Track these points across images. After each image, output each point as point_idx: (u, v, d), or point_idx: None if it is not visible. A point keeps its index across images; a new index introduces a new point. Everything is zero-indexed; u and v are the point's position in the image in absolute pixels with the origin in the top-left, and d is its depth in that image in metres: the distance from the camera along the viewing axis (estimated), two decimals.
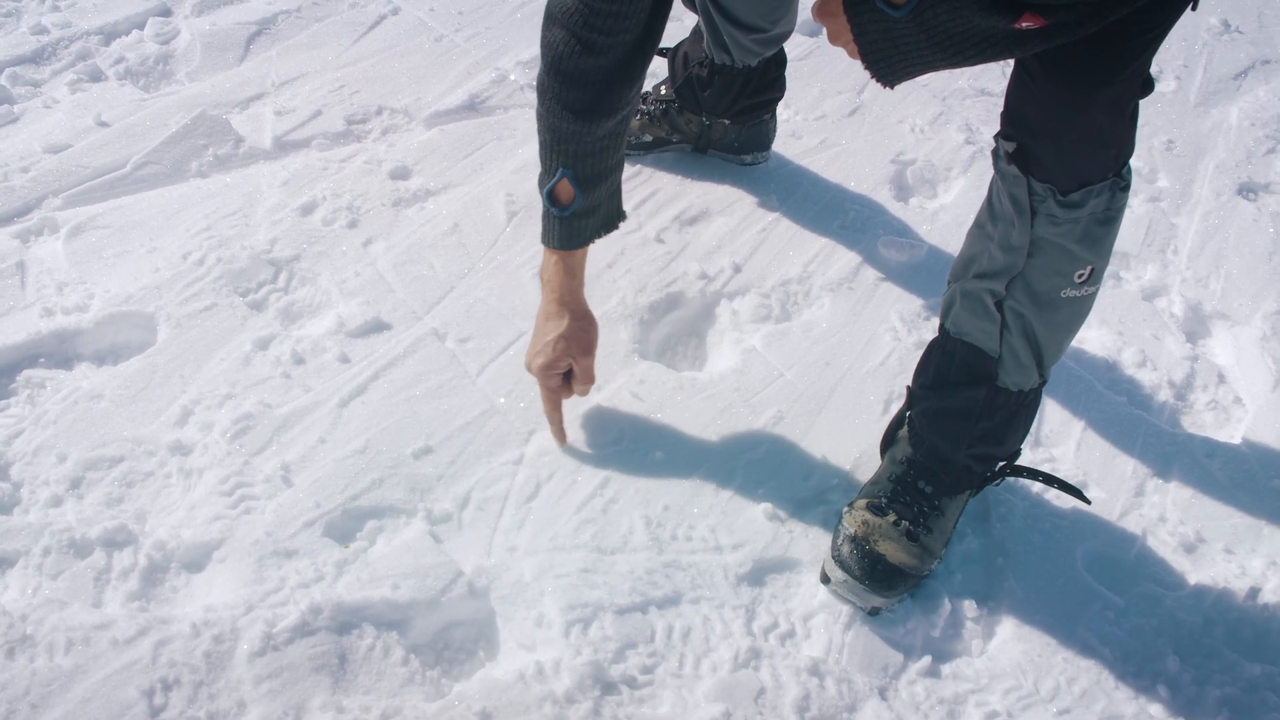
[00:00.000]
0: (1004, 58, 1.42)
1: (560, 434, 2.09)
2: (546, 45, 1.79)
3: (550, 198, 1.92)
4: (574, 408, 2.17)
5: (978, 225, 1.86)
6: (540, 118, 1.87)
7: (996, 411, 1.91)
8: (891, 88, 1.48)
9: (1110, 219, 1.73)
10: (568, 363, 2.00)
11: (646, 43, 1.80)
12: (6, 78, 2.86)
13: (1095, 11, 1.35)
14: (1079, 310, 1.84)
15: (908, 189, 2.99)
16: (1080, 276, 1.76)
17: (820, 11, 1.48)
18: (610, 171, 1.93)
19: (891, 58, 1.43)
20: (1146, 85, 1.65)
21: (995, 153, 1.77)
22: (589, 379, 2.05)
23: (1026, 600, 1.98)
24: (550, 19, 1.77)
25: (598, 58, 1.76)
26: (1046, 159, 1.67)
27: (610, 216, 2.00)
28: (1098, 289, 1.82)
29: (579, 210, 1.91)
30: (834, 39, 1.50)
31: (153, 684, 1.64)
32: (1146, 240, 2.91)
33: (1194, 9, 1.57)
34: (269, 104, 2.90)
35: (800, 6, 2.49)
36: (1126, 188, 1.73)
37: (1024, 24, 1.32)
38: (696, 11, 2.56)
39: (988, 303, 1.83)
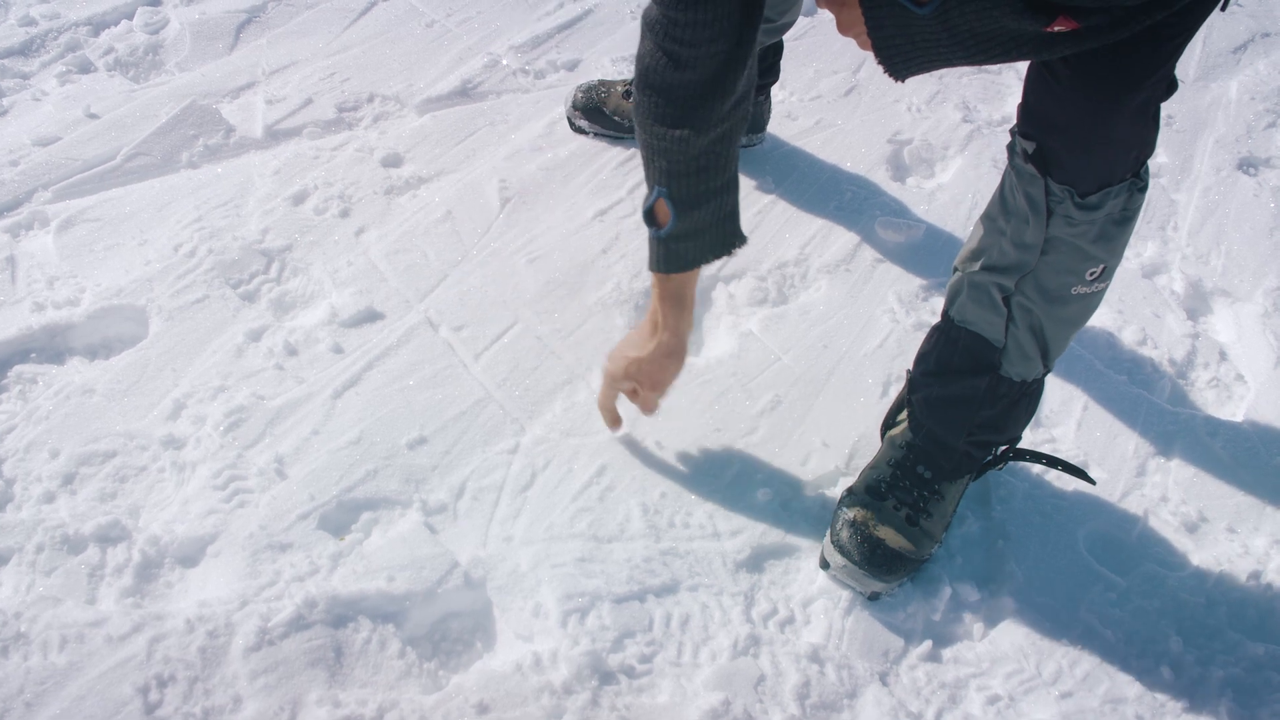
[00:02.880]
0: (1030, 59, 1.39)
1: (613, 422, 2.06)
2: (638, 58, 1.68)
3: (648, 217, 1.79)
4: (570, 395, 2.16)
5: (989, 218, 1.81)
6: (637, 134, 1.75)
7: (999, 400, 1.89)
8: (901, 81, 1.43)
9: (1127, 219, 1.70)
10: (632, 385, 1.96)
11: (738, 53, 1.62)
12: None
13: (1130, 16, 1.32)
14: (1088, 306, 1.82)
15: (904, 169, 2.97)
16: (1092, 274, 1.74)
17: (845, 28, 1.43)
18: (714, 194, 1.76)
19: (908, 53, 1.38)
20: (1171, 86, 1.62)
21: (1011, 148, 1.72)
22: (649, 408, 2.00)
23: (1027, 583, 1.96)
24: (643, 29, 1.66)
25: (684, 71, 1.62)
26: (1068, 162, 1.63)
27: (720, 242, 1.83)
28: (1108, 285, 1.80)
29: (675, 233, 1.77)
30: (844, 28, 1.44)
31: (148, 680, 1.63)
32: (1146, 217, 2.88)
33: (1223, 9, 1.53)
34: (259, 93, 2.88)
35: None
36: (1144, 189, 1.69)
37: (1057, 27, 1.28)
38: None
39: (995, 296, 1.80)
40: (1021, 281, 1.76)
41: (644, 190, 2.65)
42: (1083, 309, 1.82)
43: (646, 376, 1.92)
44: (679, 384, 2.19)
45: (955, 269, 1.90)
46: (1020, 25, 1.30)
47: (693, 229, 1.77)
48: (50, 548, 1.79)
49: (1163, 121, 3.22)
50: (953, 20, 1.31)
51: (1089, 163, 1.62)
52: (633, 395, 2.00)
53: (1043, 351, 1.85)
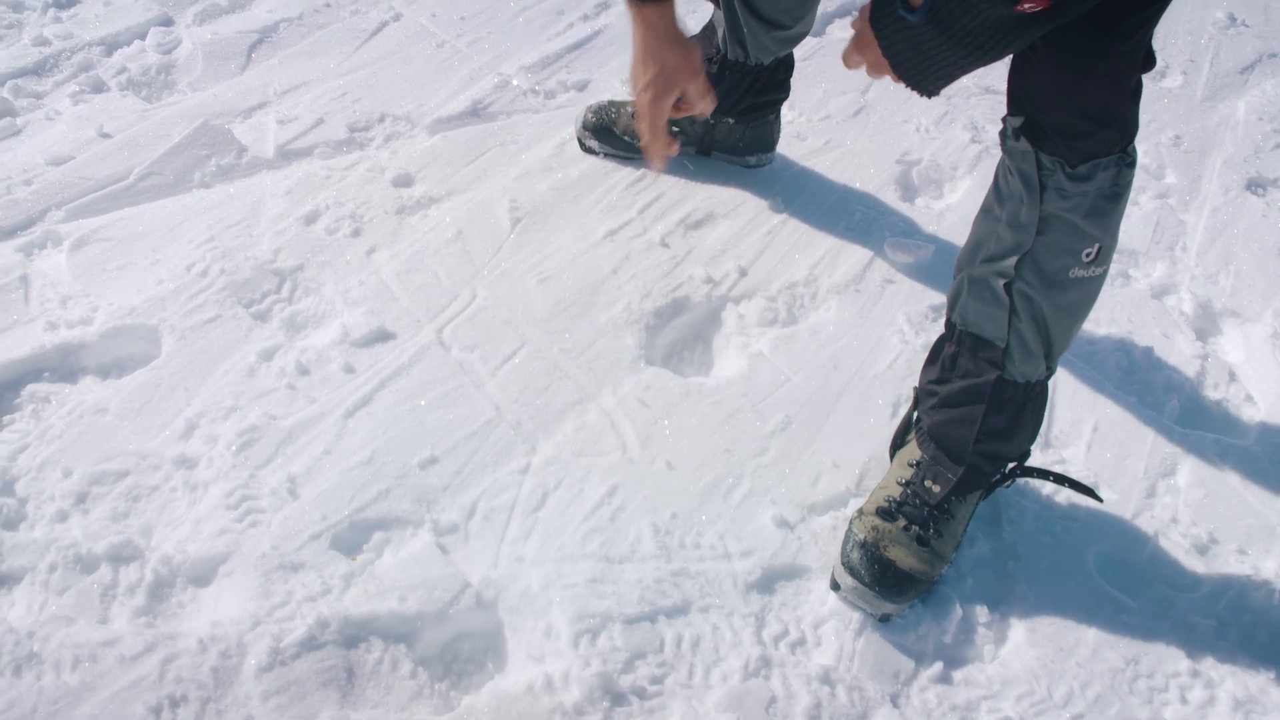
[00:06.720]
0: (1020, 45, 1.44)
1: (662, 158, 2.14)
2: None
3: None
4: (581, 415, 2.16)
5: (984, 210, 1.88)
6: None
7: (1004, 405, 1.90)
8: (931, 96, 1.53)
9: (1117, 194, 1.75)
10: (674, 93, 2.05)
11: None
12: (9, 90, 2.85)
13: None
14: (1088, 292, 1.85)
15: (913, 189, 2.97)
16: (1088, 255, 1.78)
17: (856, 46, 1.56)
18: None
19: (921, 66, 1.48)
20: (1148, 60, 1.68)
21: (1003, 133, 1.79)
22: (704, 94, 2.08)
23: (1038, 604, 1.96)
24: None
25: None
26: (1054, 132, 1.70)
27: None
28: (1106, 270, 1.84)
29: None
30: (874, 70, 1.56)
31: (160, 701, 1.63)
32: (1155, 237, 2.89)
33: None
34: (271, 113, 2.90)
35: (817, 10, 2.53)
36: (1132, 164, 1.75)
37: (1026, 6, 1.35)
38: (717, 3, 2.55)
39: (996, 287, 1.83)
40: (1021, 265, 1.80)
41: (652, 206, 2.70)
42: (1083, 295, 1.85)
43: (682, 72, 2.03)
44: (690, 404, 2.20)
45: (956, 273, 1.94)
46: (997, 10, 1.37)
47: None
48: (63, 567, 1.79)
49: (1171, 141, 3.27)
50: (944, 21, 1.40)
51: (1074, 133, 1.69)
52: (675, 111, 2.08)
53: (1046, 346, 1.87)
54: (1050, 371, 1.92)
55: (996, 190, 1.84)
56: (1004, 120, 1.78)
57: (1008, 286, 1.82)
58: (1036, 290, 1.81)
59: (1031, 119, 1.71)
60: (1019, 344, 1.85)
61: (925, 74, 1.49)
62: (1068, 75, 1.64)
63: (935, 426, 1.98)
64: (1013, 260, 1.80)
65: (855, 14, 1.58)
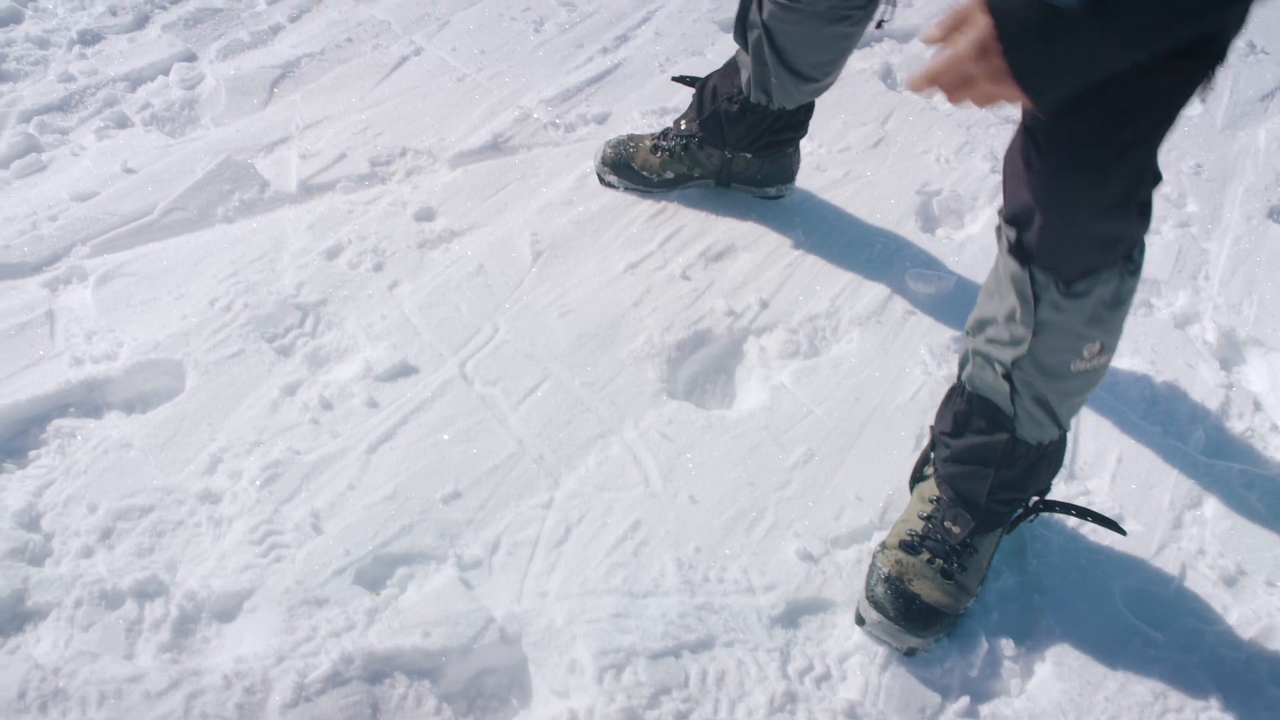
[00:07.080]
0: (1188, 34, 1.26)
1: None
2: None
3: None
4: (603, 449, 2.16)
5: (986, 292, 1.83)
6: None
7: (1016, 461, 1.89)
8: (1044, 109, 1.34)
9: (1119, 302, 1.70)
10: None
11: None
12: (34, 126, 2.88)
13: None
14: (1090, 380, 1.81)
15: (934, 220, 2.97)
16: (1090, 352, 1.74)
17: (976, 53, 1.29)
18: None
19: (1050, 70, 1.27)
20: (1155, 178, 1.60)
21: (999, 231, 1.73)
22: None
23: (1065, 638, 1.95)
24: None
25: None
26: (1048, 250, 1.64)
27: None
28: (1110, 358, 1.79)
29: None
30: (986, 81, 1.30)
31: None
32: (1177, 267, 2.88)
33: (1203, 101, 1.51)
34: (293, 147, 2.91)
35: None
36: (1136, 271, 1.69)
37: None
38: (746, 49, 2.54)
39: (997, 370, 1.81)
40: (1019, 361, 1.76)
41: (672, 239, 2.70)
42: (1085, 382, 1.81)
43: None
44: (712, 437, 2.20)
45: (966, 334, 1.91)
46: None
47: None
48: (88, 603, 1.80)
49: (1192, 170, 3.26)
50: (1114, 6, 1.21)
51: (1070, 252, 1.63)
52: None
53: (1053, 418, 1.84)
54: (1064, 431, 1.90)
55: (996, 281, 1.79)
56: (1000, 214, 1.72)
57: (1007, 375, 1.80)
58: (1036, 380, 1.78)
59: (1024, 236, 1.65)
60: (1026, 416, 1.84)
61: (1052, 79, 1.28)
62: (1072, 200, 1.56)
63: (949, 475, 1.96)
64: (1010, 355, 1.77)
65: (940, 20, 1.33)
